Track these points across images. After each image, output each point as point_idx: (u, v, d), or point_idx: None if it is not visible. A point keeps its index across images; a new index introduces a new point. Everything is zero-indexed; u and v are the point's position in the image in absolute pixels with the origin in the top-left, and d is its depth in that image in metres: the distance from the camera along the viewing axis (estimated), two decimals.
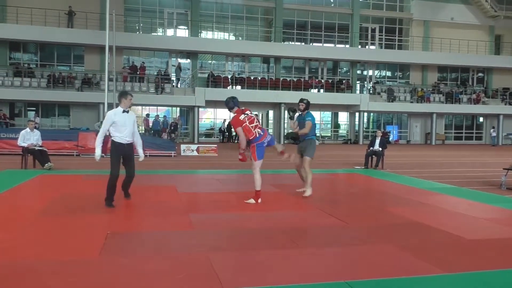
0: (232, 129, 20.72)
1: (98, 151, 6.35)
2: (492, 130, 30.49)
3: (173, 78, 27.95)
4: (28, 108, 26.17)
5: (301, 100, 7.66)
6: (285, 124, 28.97)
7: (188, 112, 28.31)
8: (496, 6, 32.35)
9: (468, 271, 3.75)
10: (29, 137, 10.92)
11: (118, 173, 6.29)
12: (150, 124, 25.24)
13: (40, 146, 10.94)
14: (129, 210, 6.05)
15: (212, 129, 29.70)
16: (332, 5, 31.16)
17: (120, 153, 6.34)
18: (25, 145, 10.83)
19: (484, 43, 32.70)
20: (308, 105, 7.59)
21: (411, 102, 30.30)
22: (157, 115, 25.79)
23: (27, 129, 11.10)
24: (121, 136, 6.26)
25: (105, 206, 6.11)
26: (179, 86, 27.80)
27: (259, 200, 6.61)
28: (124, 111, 6.30)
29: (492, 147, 27.35)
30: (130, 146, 6.43)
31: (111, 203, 6.18)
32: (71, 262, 3.76)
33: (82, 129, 21.02)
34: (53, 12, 24.91)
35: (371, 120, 32.72)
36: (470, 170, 12.82)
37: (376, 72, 32.69)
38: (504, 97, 32.53)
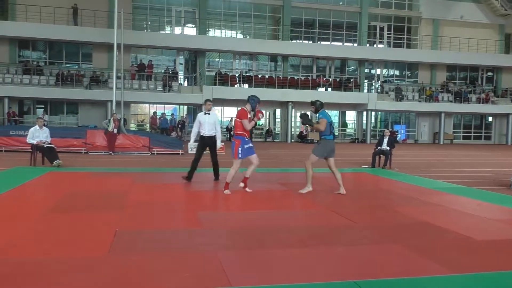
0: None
1: (192, 141, 8.88)
2: None
3: (181, 76, 28.01)
4: (36, 106, 26.35)
5: (312, 103, 7.74)
6: (292, 123, 28.93)
7: (196, 110, 28.36)
8: (506, 4, 32.01)
9: (478, 272, 3.73)
10: (38, 135, 10.99)
11: (199, 157, 8.54)
12: (158, 122, 25.33)
13: (49, 144, 11.01)
14: (138, 208, 6.07)
15: None
16: (341, 3, 31.03)
17: (203, 142, 8.56)
18: (34, 142, 10.91)
19: (494, 42, 32.40)
20: (320, 106, 7.61)
21: (419, 101, 30.11)
22: (164, 113, 25.83)
23: (36, 126, 11.17)
24: (203, 131, 8.46)
25: (182, 178, 8.47)
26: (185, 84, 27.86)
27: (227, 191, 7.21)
28: (205, 113, 8.49)
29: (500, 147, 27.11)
30: (211, 139, 8.49)
31: (188, 179, 8.48)
32: (80, 260, 3.78)
33: (90, 126, 21.17)
34: (62, 10, 25.06)
35: (378, 119, 32.58)
36: (479, 170, 12.72)
37: (384, 71, 32.51)
38: None
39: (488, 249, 4.47)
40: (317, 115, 7.60)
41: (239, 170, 7.39)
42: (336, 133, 31.21)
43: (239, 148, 7.14)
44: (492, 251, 4.40)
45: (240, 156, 7.15)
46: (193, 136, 8.75)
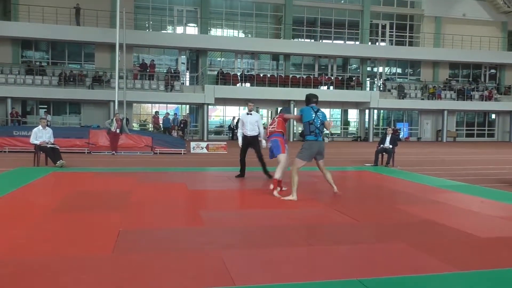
0: None
1: (240, 142, 8.97)
2: None
3: (184, 76, 28.04)
4: (39, 106, 26.40)
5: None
6: (294, 122, 28.87)
7: (198, 109, 28.38)
8: (509, 1, 31.88)
9: (482, 269, 3.71)
10: (41, 135, 11.02)
11: (243, 157, 8.99)
12: (160, 122, 25.35)
13: (52, 144, 11.03)
14: (141, 207, 6.08)
15: (221, 126, 29.74)
16: (342, 1, 30.97)
17: (245, 142, 8.83)
18: (37, 142, 10.94)
19: (496, 39, 32.27)
20: (307, 101, 6.94)
21: (422, 99, 30.04)
22: (167, 113, 25.87)
23: (39, 126, 11.20)
24: (246, 130, 8.80)
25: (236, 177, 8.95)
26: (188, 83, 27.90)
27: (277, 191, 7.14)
28: (248, 113, 8.92)
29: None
30: (253, 138, 8.81)
31: (241, 176, 9.05)
32: (84, 259, 3.79)
33: (93, 126, 21.19)
34: (65, 11, 25.09)
35: (381, 117, 32.52)
36: (482, 168, 12.69)
37: (386, 69, 32.45)
38: None
39: (492, 246, 4.46)
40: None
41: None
42: (338, 132, 31.25)
43: (285, 145, 7.58)
44: (496, 248, 4.39)
45: (287, 150, 7.55)
46: (239, 136, 8.96)
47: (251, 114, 8.88)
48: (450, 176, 10.24)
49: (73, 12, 25.38)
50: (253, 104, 9.06)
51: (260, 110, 29.90)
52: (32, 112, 26.30)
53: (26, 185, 7.82)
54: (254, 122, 8.77)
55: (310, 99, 6.84)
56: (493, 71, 33.79)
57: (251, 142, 8.81)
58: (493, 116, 33.44)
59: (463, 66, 33.12)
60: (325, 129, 6.87)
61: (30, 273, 3.44)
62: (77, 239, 4.42)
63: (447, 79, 32.13)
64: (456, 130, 32.02)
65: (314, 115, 6.65)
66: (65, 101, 25.96)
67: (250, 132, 8.76)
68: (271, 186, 7.33)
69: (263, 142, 8.62)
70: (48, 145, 10.90)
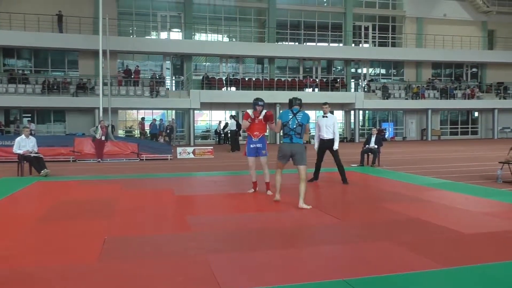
0: (228, 131, 20.74)
1: (316, 146, 8.88)
2: None
3: (168, 81, 27.94)
4: (23, 115, 26.05)
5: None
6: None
7: (184, 114, 28.28)
8: (488, 1, 32.47)
9: (466, 265, 3.77)
10: (24, 144, 10.87)
11: (320, 161, 8.76)
12: (146, 128, 25.20)
13: (36, 153, 10.89)
14: (127, 214, 6.04)
15: (208, 131, 29.69)
16: (325, 4, 31.19)
17: (322, 145, 8.66)
18: (20, 152, 10.79)
19: (477, 39, 32.80)
20: (289, 104, 6.80)
21: (406, 98, 30.35)
22: (154, 119, 25.72)
23: (23, 136, 11.05)
24: (322, 133, 8.63)
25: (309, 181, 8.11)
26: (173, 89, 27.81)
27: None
28: (323, 116, 8.64)
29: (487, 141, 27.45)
30: (330, 141, 8.57)
31: (315, 179, 8.82)
32: (70, 268, 3.75)
33: (78, 134, 21.00)
34: (47, 18, 24.83)
35: (366, 118, 32.76)
36: (466, 165, 12.87)
37: (370, 70, 32.74)
38: (498, 91, 32.64)
39: (476, 242, 4.53)
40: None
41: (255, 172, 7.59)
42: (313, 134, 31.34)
43: (246, 146, 7.46)
44: (480, 244, 4.46)
45: (247, 154, 7.42)
46: (316, 141, 8.88)
47: (326, 116, 8.68)
48: (435, 174, 10.37)
49: (56, 19, 25.12)
50: (328, 106, 8.76)
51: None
52: (16, 122, 25.94)
53: (10, 195, 7.71)
54: (331, 125, 8.61)
55: (291, 102, 6.72)
56: (474, 69, 34.31)
57: (328, 145, 8.67)
58: (476, 114, 33.93)
59: (445, 66, 33.59)
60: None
61: (16, 284, 3.40)
62: (62, 249, 4.38)
63: (430, 78, 32.54)
64: (441, 128, 32.40)
65: (290, 117, 6.46)
66: (49, 109, 25.66)
67: (327, 135, 8.62)
68: (268, 192, 7.31)
69: (336, 146, 8.58)
70: (32, 154, 10.76)
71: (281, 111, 7.15)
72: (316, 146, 8.89)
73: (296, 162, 6.42)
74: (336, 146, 8.58)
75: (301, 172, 6.34)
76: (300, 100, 6.72)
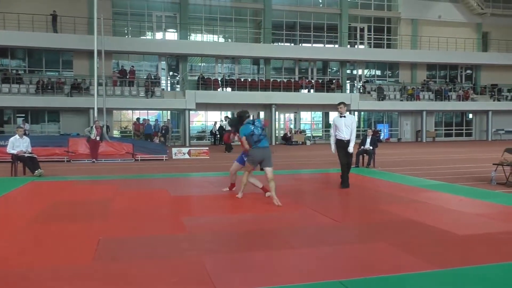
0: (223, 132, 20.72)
1: (332, 148, 8.35)
2: None
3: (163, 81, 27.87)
4: (17, 115, 25.91)
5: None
6: (276, 125, 28.99)
7: (179, 115, 28.23)
8: (482, 3, 32.65)
9: (460, 267, 3.78)
10: (18, 144, 10.81)
11: (344, 161, 8.19)
12: (141, 128, 25.12)
13: (30, 153, 10.84)
14: (121, 215, 6.01)
15: (203, 131, 29.64)
16: (321, 5, 31.25)
17: (342, 146, 8.14)
18: (14, 152, 10.72)
19: (471, 41, 32.98)
20: (240, 120, 7.24)
21: (401, 100, 30.45)
22: (146, 119, 25.56)
23: (16, 136, 10.99)
24: (341, 134, 8.13)
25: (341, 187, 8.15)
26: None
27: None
28: (340, 116, 8.13)
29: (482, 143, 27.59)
30: (350, 142, 8.08)
31: (345, 186, 8.20)
32: (64, 269, 3.73)
33: (72, 134, 20.89)
34: (41, 18, 24.71)
35: (361, 119, 32.83)
36: (461, 166, 12.93)
37: (365, 71, 32.82)
38: (493, 93, 32.82)
39: (470, 243, 4.55)
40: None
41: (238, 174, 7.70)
42: (320, 134, 31.43)
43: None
44: (474, 245, 4.48)
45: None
46: (332, 143, 8.38)
47: (344, 116, 8.18)
48: (430, 176, 10.41)
49: (50, 19, 25.01)
50: (343, 105, 8.22)
51: None
52: (10, 122, 25.79)
53: (3, 195, 7.66)
54: (349, 125, 8.13)
55: (243, 117, 7.14)
56: (469, 71, 34.49)
57: (346, 146, 8.11)
58: (470, 115, 34.10)
59: (440, 67, 33.73)
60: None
61: (9, 285, 3.37)
62: (56, 249, 4.35)
63: (425, 80, 32.68)
64: (435, 130, 32.53)
65: (252, 127, 6.81)
66: (44, 109, 25.53)
67: (347, 135, 8.11)
68: (267, 194, 7.27)
69: (351, 148, 8.10)
70: (26, 155, 10.71)
71: (241, 128, 7.05)
72: (333, 148, 8.35)
73: (265, 165, 6.79)
74: (351, 149, 8.12)
75: (270, 173, 6.75)
76: (247, 112, 7.31)
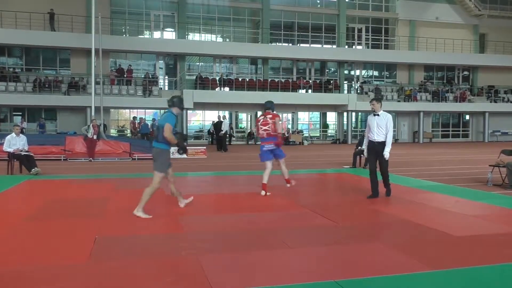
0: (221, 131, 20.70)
1: (365, 151, 7.50)
2: None
3: (161, 81, 27.82)
4: (14, 113, 25.83)
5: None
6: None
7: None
8: (480, 5, 32.75)
9: (457, 268, 3.79)
10: (15, 142, 10.78)
11: (373, 168, 7.14)
12: (138, 127, 25.06)
13: (27, 151, 10.81)
14: (118, 214, 6.00)
15: (201, 131, 29.62)
16: (319, 5, 31.28)
17: (372, 149, 7.14)
18: (11, 150, 10.69)
19: (469, 42, 33.08)
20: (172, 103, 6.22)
21: (398, 101, 30.52)
22: (142, 118, 25.48)
23: (13, 134, 10.95)
24: (371, 135, 7.12)
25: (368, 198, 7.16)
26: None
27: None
28: (374, 114, 7.12)
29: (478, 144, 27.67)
30: (381, 144, 7.00)
31: (375, 195, 7.16)
32: (60, 268, 3.72)
33: (69, 133, 20.84)
34: (38, 16, 24.63)
35: (359, 120, 32.88)
36: (457, 168, 12.96)
37: (363, 72, 32.88)
38: (489, 94, 32.93)
39: (466, 244, 4.56)
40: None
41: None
42: (317, 134, 31.44)
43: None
44: (470, 247, 4.49)
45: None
46: (364, 144, 7.50)
47: (378, 115, 7.09)
48: (427, 177, 10.43)
49: (47, 17, 24.95)
50: (376, 102, 7.14)
51: (240, 114, 29.95)
52: (6, 120, 25.70)
53: (0, 193, 7.63)
54: (383, 125, 7.01)
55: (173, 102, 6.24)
56: (466, 73, 34.59)
57: (378, 149, 7.05)
58: (467, 117, 34.20)
59: (437, 68, 33.83)
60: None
61: (5, 283, 3.36)
62: (52, 248, 4.34)
63: (422, 81, 32.76)
64: (432, 131, 32.62)
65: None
66: (40, 108, 25.46)
67: (378, 137, 7.04)
68: (263, 193, 7.32)
69: (386, 153, 7.00)
70: (23, 153, 10.67)
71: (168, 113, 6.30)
72: (365, 151, 7.49)
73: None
74: (386, 153, 6.99)
75: (153, 178, 5.97)
76: (171, 101, 6.24)
